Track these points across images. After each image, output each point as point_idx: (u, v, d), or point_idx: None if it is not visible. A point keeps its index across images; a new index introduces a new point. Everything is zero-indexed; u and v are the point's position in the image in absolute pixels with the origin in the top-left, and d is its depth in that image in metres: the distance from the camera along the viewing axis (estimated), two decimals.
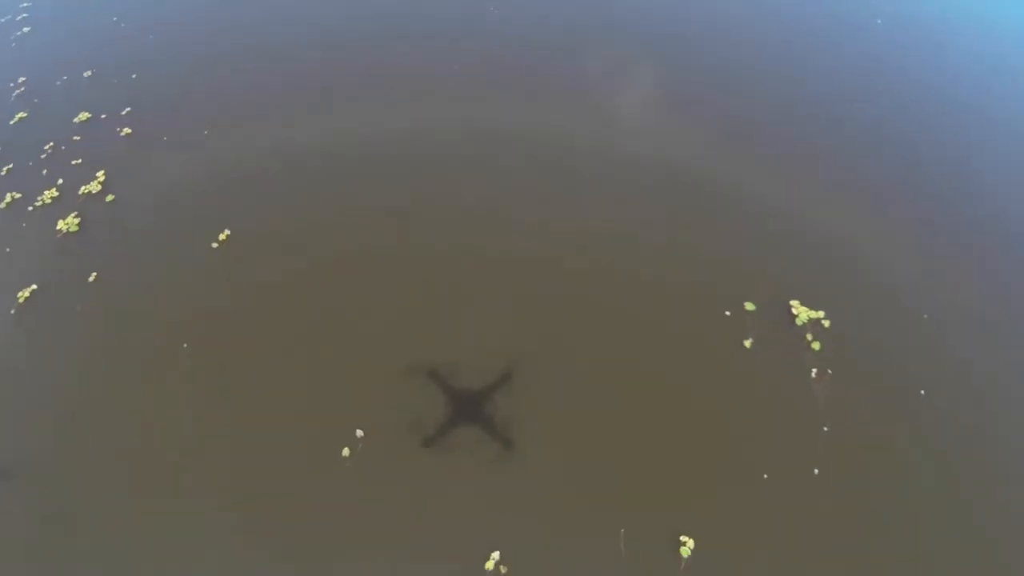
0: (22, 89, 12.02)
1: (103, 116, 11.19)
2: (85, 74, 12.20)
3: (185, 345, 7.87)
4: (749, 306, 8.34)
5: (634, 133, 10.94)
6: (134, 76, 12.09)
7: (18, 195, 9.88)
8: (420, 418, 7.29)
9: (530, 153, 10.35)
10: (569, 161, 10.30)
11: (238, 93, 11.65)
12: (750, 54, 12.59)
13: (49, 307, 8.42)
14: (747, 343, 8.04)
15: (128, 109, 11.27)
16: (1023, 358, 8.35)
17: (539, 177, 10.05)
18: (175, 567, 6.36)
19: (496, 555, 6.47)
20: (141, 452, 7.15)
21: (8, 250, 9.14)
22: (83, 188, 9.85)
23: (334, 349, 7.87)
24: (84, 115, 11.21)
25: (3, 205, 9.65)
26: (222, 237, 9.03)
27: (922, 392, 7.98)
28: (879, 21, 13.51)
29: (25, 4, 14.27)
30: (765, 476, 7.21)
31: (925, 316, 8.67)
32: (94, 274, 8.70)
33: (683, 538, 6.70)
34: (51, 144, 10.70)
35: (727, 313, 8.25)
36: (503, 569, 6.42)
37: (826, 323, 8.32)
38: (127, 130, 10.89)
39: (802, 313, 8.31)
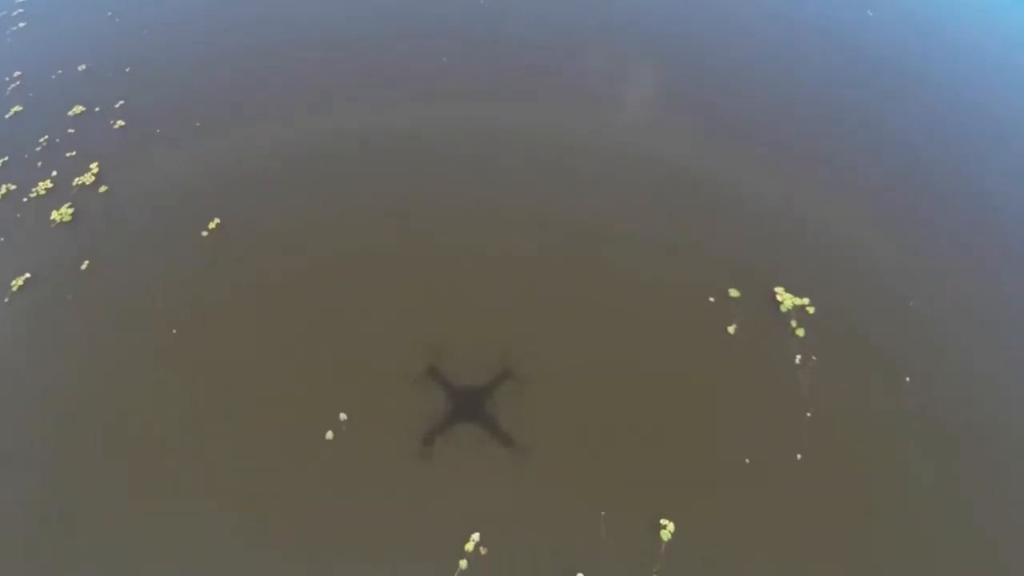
0: (17, 83, 12.32)
1: (97, 109, 11.47)
2: (80, 68, 12.49)
3: (174, 331, 8.15)
4: (733, 293, 8.56)
5: (623, 126, 11.19)
6: (128, 70, 12.36)
7: (13, 187, 10.16)
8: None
9: (525, 149, 10.59)
10: (557, 153, 10.57)
11: (231, 86, 11.93)
12: (735, 44, 12.87)
13: (42, 295, 8.69)
14: (731, 329, 8.26)
15: (122, 102, 11.54)
16: (1010, 346, 8.62)
17: (527, 169, 10.35)
18: (162, 549, 6.61)
19: (476, 536, 6.69)
20: (128, 436, 7.40)
21: (2, 240, 9.44)
22: (77, 179, 10.13)
23: (328, 343, 8.10)
24: (78, 108, 11.50)
25: None
26: (212, 226, 9.31)
27: (907, 379, 8.20)
28: (870, 13, 13.81)
29: (21, 0, 14.60)
30: (747, 461, 7.42)
31: (912, 304, 8.89)
32: (86, 262, 8.98)
33: (663, 521, 6.92)
34: (46, 137, 10.99)
35: (711, 299, 8.51)
36: (482, 550, 6.64)
37: (811, 310, 8.54)
38: (120, 123, 11.16)
39: (787, 300, 8.53)
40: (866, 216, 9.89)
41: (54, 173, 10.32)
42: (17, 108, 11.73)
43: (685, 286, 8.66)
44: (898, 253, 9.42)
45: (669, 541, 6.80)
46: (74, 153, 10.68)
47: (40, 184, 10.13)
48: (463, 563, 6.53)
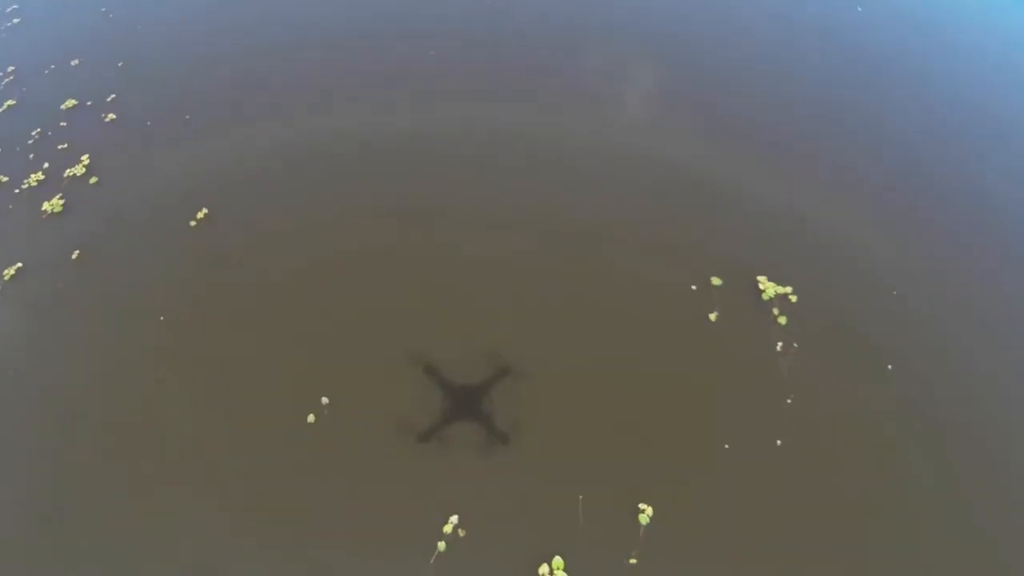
0: (11, 78, 12.65)
1: (89, 103, 11.78)
2: (72, 63, 12.82)
3: (162, 318, 8.41)
4: (716, 281, 8.76)
5: (613, 121, 11.43)
6: (120, 65, 12.68)
7: (5, 178, 10.47)
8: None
9: (520, 147, 10.85)
10: (550, 149, 10.81)
11: (221, 82, 12.24)
12: (729, 43, 13.10)
13: (33, 284, 8.98)
14: (712, 316, 8.47)
15: (113, 96, 11.85)
16: (994, 334, 8.77)
17: (519, 166, 10.59)
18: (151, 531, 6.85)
19: (455, 519, 6.90)
20: (117, 421, 7.67)
21: None
22: (68, 171, 10.43)
23: (319, 335, 8.32)
24: (71, 102, 11.81)
25: None
26: (200, 216, 9.60)
27: (889, 367, 8.38)
28: (859, 9, 14.02)
29: None
30: (727, 446, 7.61)
31: (895, 293, 9.06)
32: (77, 252, 9.27)
33: (642, 506, 7.11)
34: (38, 130, 11.30)
35: (693, 288, 8.71)
36: (461, 532, 6.84)
37: (793, 298, 8.72)
38: (111, 116, 11.48)
39: (769, 288, 8.72)
40: (852, 208, 10.08)
41: (46, 165, 10.63)
42: (10, 102, 12.05)
43: (668, 275, 8.86)
44: (882, 244, 9.60)
45: (647, 525, 6.99)
46: (66, 146, 10.98)
47: (32, 176, 10.44)
48: (441, 545, 6.73)
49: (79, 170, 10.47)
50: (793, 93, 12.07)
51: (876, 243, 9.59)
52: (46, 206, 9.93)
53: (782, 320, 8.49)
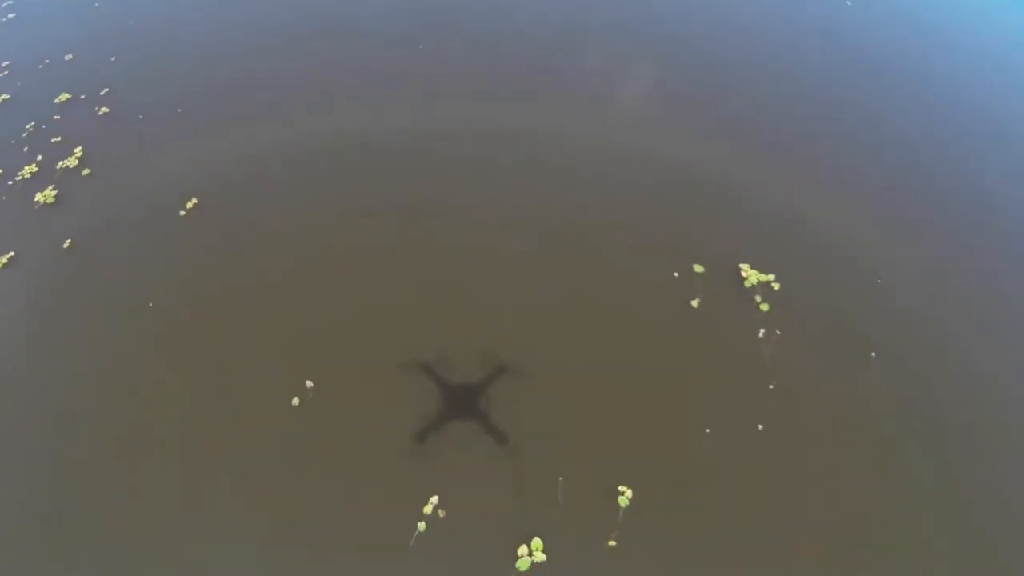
0: (6, 73, 12.97)
1: (82, 97, 12.09)
2: (66, 57, 13.15)
3: (151, 304, 8.69)
4: (698, 268, 8.98)
5: (601, 114, 11.71)
6: (113, 59, 13.01)
7: None
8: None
9: (507, 140, 11.10)
10: (537, 143, 11.09)
11: (213, 73, 12.55)
12: (716, 36, 13.35)
13: (25, 272, 9.27)
14: (694, 303, 8.68)
15: (106, 90, 12.16)
16: (980, 323, 8.94)
17: (508, 159, 10.84)
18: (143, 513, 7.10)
19: (435, 499, 7.12)
20: (106, 405, 7.93)
21: None
22: (61, 163, 10.73)
23: (315, 328, 8.54)
24: (64, 96, 12.13)
25: None
26: (190, 205, 9.90)
27: (873, 354, 8.56)
28: (848, 2, 14.26)
29: None
30: (707, 430, 7.81)
31: (879, 281, 9.25)
32: (68, 241, 9.56)
33: (621, 488, 7.31)
34: (32, 123, 11.61)
35: (675, 275, 8.92)
36: (441, 513, 7.06)
37: (776, 286, 8.93)
38: (104, 109, 11.79)
39: (751, 276, 8.92)
40: (836, 197, 10.31)
41: (39, 157, 10.93)
42: (5, 96, 12.37)
43: (649, 262, 9.08)
44: (867, 233, 9.81)
45: (627, 508, 7.19)
46: (59, 138, 11.29)
47: (25, 168, 10.74)
48: (421, 525, 6.95)
49: (72, 162, 10.79)
50: (780, 85, 12.33)
51: (861, 232, 9.79)
52: (39, 197, 10.24)
53: (764, 307, 8.69)
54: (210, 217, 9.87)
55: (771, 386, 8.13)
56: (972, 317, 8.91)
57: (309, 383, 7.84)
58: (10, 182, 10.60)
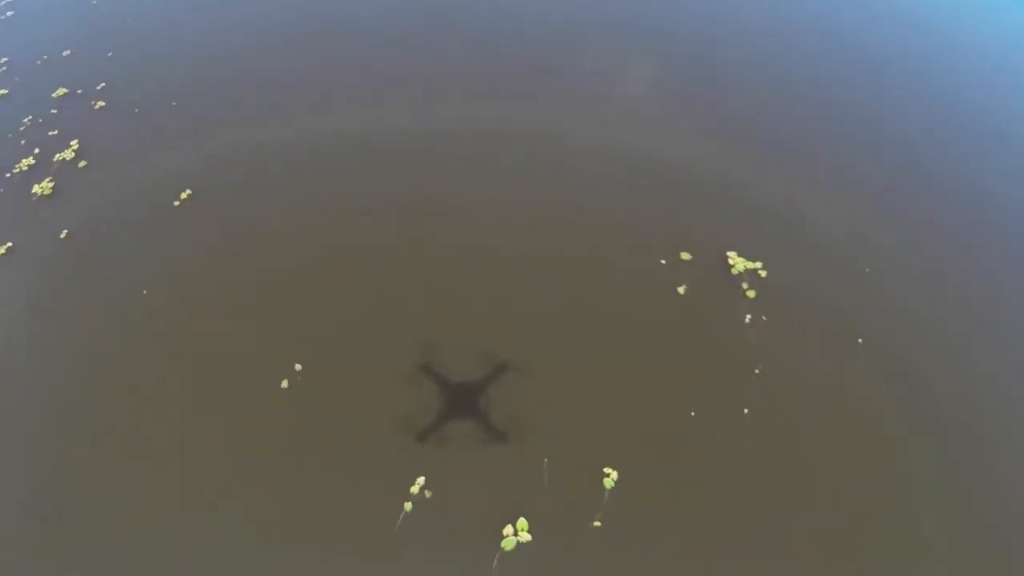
0: (4, 69, 13.36)
1: (79, 91, 12.46)
2: (64, 53, 13.52)
3: (145, 291, 8.98)
4: (685, 256, 9.20)
5: (594, 111, 11.98)
6: (110, 54, 13.39)
7: None
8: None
9: (499, 136, 11.39)
10: (529, 138, 11.38)
11: (208, 68, 12.92)
12: (696, 18, 13.61)
13: (22, 262, 9.58)
14: (681, 290, 8.91)
15: (103, 84, 12.54)
16: (966, 309, 9.13)
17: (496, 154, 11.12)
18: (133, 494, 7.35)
19: (421, 480, 7.35)
20: (101, 394, 8.21)
21: None
22: (58, 156, 11.07)
23: (311, 319, 8.77)
24: (61, 90, 12.50)
25: None
26: (184, 196, 10.23)
27: (859, 340, 8.75)
28: None
29: None
30: (692, 414, 8.01)
31: (867, 270, 9.45)
32: (65, 231, 9.88)
33: (607, 470, 7.52)
34: (29, 117, 11.96)
35: (662, 262, 9.15)
36: (427, 494, 7.29)
37: (763, 273, 9.15)
38: (101, 103, 12.16)
39: (738, 263, 9.14)
40: (827, 188, 10.54)
41: (36, 151, 11.28)
42: (3, 91, 12.74)
43: (640, 252, 9.32)
44: (855, 222, 10.01)
45: (612, 489, 7.40)
46: (56, 132, 11.63)
47: (23, 161, 11.09)
48: (408, 505, 7.18)
49: (68, 154, 11.13)
50: (770, 79, 12.59)
51: (849, 222, 10.01)
52: (36, 189, 10.58)
53: (751, 294, 8.91)
54: (204, 208, 10.19)
55: (757, 371, 8.33)
56: (955, 302, 9.10)
57: (298, 366, 8.12)
58: (8, 175, 10.94)
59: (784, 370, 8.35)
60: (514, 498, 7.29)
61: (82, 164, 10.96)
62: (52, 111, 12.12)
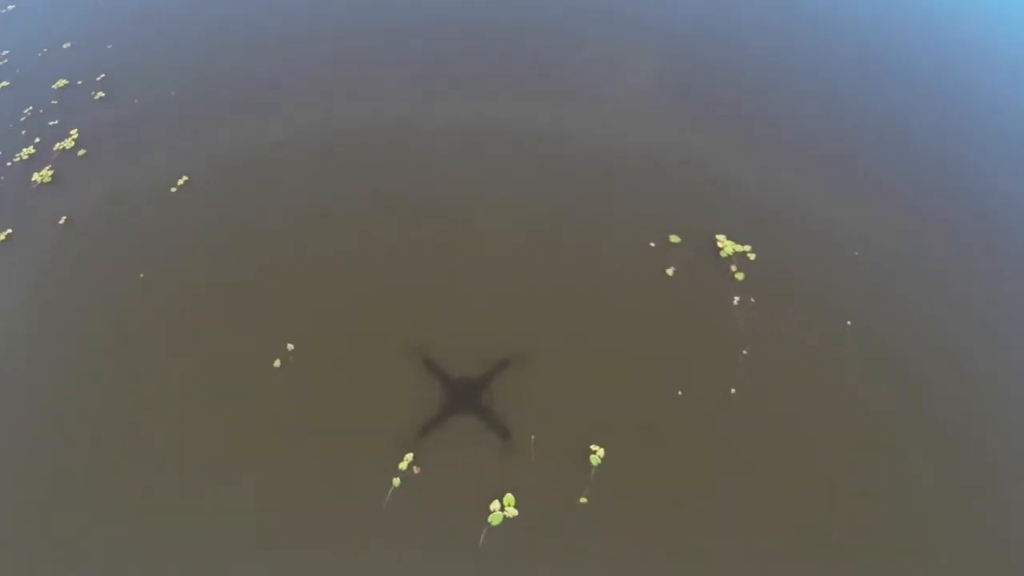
0: (5, 61, 13.77)
1: (79, 82, 12.84)
2: (64, 46, 13.92)
3: (142, 275, 9.29)
4: (674, 238, 9.41)
5: (588, 105, 12.23)
6: (109, 47, 13.79)
7: None
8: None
9: (486, 129, 11.64)
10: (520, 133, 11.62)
11: (206, 59, 13.29)
12: (684, 11, 13.82)
13: (21, 248, 9.91)
14: (669, 271, 9.11)
15: (102, 75, 12.92)
16: (952, 293, 9.28)
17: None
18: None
19: (409, 456, 7.59)
20: (98, 369, 8.51)
21: None
22: (58, 145, 11.44)
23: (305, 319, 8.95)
24: (62, 82, 12.89)
25: None
26: (181, 182, 10.56)
27: (848, 323, 8.91)
28: None
29: None
30: (679, 393, 8.20)
31: (855, 253, 9.61)
32: (64, 218, 10.23)
33: (593, 447, 7.73)
34: (30, 108, 12.35)
35: (652, 244, 9.36)
36: (416, 470, 7.53)
37: (751, 256, 9.34)
38: (100, 94, 12.54)
39: (727, 246, 9.34)
40: (817, 173, 10.73)
41: (37, 140, 11.65)
42: (4, 83, 13.14)
43: (627, 233, 9.54)
44: (845, 208, 10.20)
45: (599, 466, 7.60)
46: (56, 122, 12.01)
47: (24, 150, 11.45)
48: (396, 481, 7.41)
49: (68, 143, 11.49)
50: (763, 68, 12.84)
51: (838, 207, 10.19)
52: (36, 177, 10.92)
53: (739, 276, 9.09)
54: (200, 194, 10.51)
55: (744, 352, 8.51)
56: (941, 286, 9.27)
57: (290, 346, 8.40)
58: (9, 163, 11.30)
59: (771, 351, 8.52)
60: (502, 474, 7.52)
61: (81, 152, 11.31)
62: (52, 102, 12.49)
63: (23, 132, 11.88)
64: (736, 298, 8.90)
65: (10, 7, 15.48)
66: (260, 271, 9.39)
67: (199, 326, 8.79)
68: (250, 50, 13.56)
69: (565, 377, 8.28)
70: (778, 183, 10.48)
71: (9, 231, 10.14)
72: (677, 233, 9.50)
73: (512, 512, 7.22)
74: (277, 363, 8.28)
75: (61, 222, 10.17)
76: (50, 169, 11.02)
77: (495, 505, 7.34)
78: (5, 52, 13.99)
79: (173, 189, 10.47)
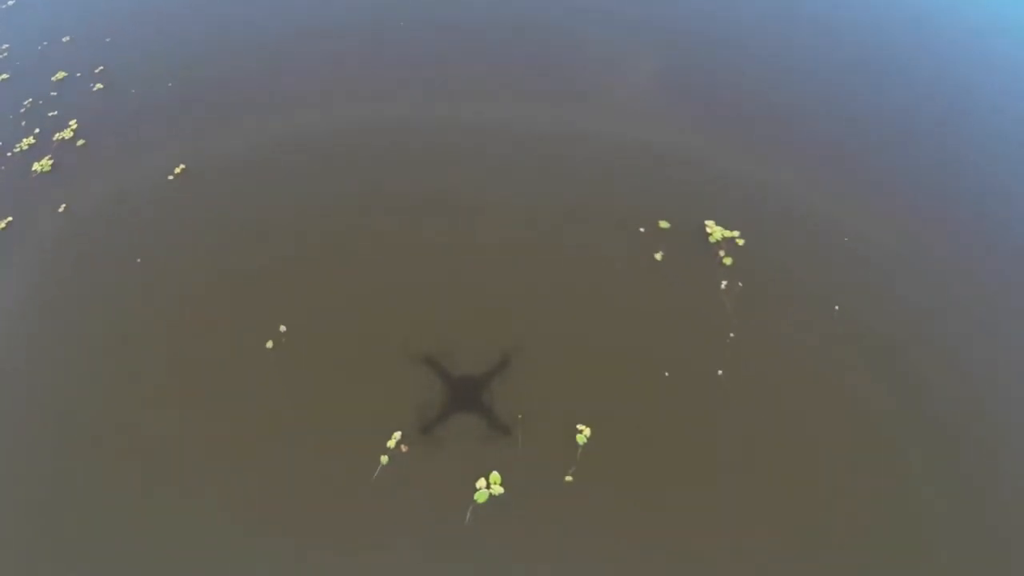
0: (5, 55, 14.18)
1: (78, 74, 13.22)
2: (63, 39, 14.31)
3: (139, 260, 9.60)
4: (663, 224, 9.62)
5: (583, 100, 12.50)
6: (108, 40, 14.17)
7: None
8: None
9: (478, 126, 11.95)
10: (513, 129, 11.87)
11: (204, 51, 13.64)
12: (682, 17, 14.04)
13: (21, 235, 10.25)
14: (658, 256, 9.33)
15: (101, 68, 13.30)
16: (943, 278, 9.44)
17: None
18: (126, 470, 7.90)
19: (398, 435, 7.83)
20: (95, 353, 8.81)
21: None
22: (57, 135, 11.81)
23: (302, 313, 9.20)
24: (61, 74, 13.27)
25: None
26: (178, 170, 10.90)
27: (836, 307, 9.09)
28: None
29: None
30: (666, 374, 8.41)
31: (845, 239, 9.79)
32: (63, 205, 10.58)
33: (580, 427, 7.96)
34: (30, 100, 12.73)
35: (641, 229, 9.58)
36: (404, 448, 7.78)
37: (740, 241, 9.54)
38: (99, 85, 12.90)
39: (716, 232, 9.54)
40: (807, 159, 10.93)
41: (36, 131, 12.02)
42: (4, 76, 13.54)
43: (616, 218, 9.77)
44: (836, 196, 10.39)
45: (584, 445, 7.82)
46: (55, 113, 12.38)
47: (24, 140, 11.82)
48: (384, 459, 7.65)
49: (67, 134, 11.85)
50: (755, 56, 13.07)
51: (828, 193, 10.38)
52: (36, 166, 11.28)
53: (728, 261, 9.30)
54: (197, 181, 10.83)
55: (732, 335, 8.72)
56: (932, 271, 9.45)
57: (283, 327, 8.69)
58: (8, 153, 11.67)
59: (758, 334, 8.72)
60: (488, 453, 7.76)
61: (80, 143, 11.66)
62: (52, 93, 12.87)
63: (23, 123, 12.25)
64: (724, 282, 9.10)
65: (10, 3, 15.91)
66: (256, 258, 9.67)
67: (198, 323, 9.02)
68: (248, 41, 13.91)
69: (552, 359, 8.50)
70: (767, 169, 10.65)
71: (10, 219, 10.50)
72: (667, 218, 9.71)
73: (498, 490, 7.47)
74: (269, 344, 8.55)
75: (60, 210, 10.52)
76: (50, 159, 11.37)
77: (481, 483, 7.58)
78: (5, 46, 14.39)
79: (170, 177, 10.81)
